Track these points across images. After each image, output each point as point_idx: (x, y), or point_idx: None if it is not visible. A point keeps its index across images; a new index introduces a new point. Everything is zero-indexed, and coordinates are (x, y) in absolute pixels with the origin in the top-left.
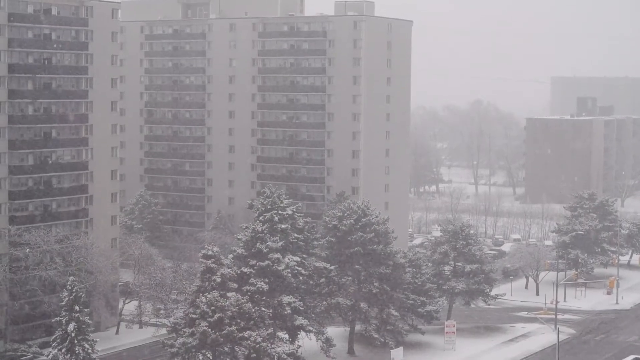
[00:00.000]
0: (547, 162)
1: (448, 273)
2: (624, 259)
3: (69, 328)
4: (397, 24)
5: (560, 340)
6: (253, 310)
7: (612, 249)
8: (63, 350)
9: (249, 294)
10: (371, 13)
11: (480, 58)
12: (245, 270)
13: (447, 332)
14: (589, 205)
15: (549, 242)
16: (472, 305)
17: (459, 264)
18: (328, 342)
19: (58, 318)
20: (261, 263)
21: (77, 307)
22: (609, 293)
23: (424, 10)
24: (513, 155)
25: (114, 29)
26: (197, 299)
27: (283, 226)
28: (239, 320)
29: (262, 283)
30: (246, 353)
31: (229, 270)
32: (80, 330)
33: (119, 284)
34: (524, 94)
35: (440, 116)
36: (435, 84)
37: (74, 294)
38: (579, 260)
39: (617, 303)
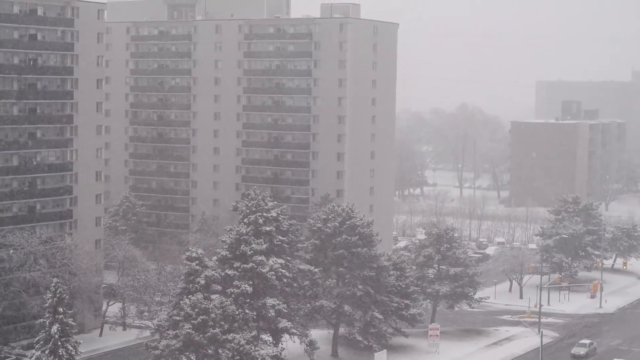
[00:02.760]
0: (531, 166)
1: (432, 276)
2: (607, 262)
3: (52, 330)
4: (383, 27)
5: (543, 343)
6: (237, 312)
7: (596, 252)
8: (46, 352)
9: (233, 296)
10: (357, 16)
11: (466, 62)
12: (229, 272)
13: (430, 335)
14: (573, 209)
15: (533, 246)
16: (456, 309)
17: (443, 267)
18: (312, 345)
19: (41, 320)
20: (245, 265)
21: (60, 309)
22: (592, 297)
23: (410, 14)
24: (498, 159)
25: (99, 30)
26: (181, 301)
27: (267, 228)
28: (222, 323)
29: (246, 285)
30: (230, 355)
31: (213, 272)
32: (64, 332)
33: (103, 285)
34: (509, 98)
35: (425, 119)
36: (421, 87)
37: (57, 296)
38: (563, 264)
39: (600, 307)
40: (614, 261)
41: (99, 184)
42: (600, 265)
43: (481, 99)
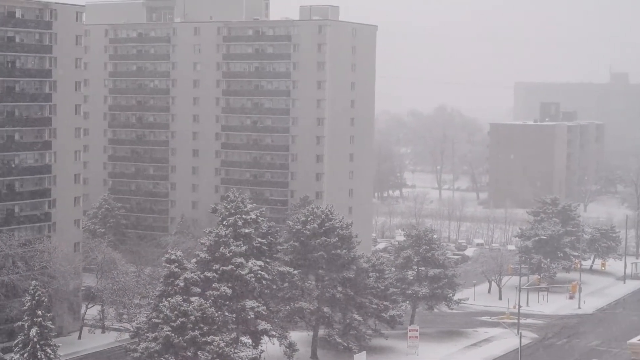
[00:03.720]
0: (510, 167)
1: (411, 278)
2: (586, 263)
3: (31, 333)
4: (361, 29)
5: (522, 344)
6: (216, 314)
7: (575, 253)
8: (25, 355)
9: (212, 298)
10: (336, 18)
11: (444, 64)
12: (208, 274)
13: (410, 337)
14: (551, 210)
15: (512, 247)
16: (435, 310)
17: (422, 268)
18: (291, 347)
19: (20, 323)
20: (224, 267)
21: (39, 312)
22: (571, 298)
23: (388, 16)
24: (476, 161)
25: (78, 32)
26: (160, 304)
27: (247, 230)
28: (202, 325)
29: (226, 288)
30: (209, 358)
31: (192, 274)
32: (43, 335)
33: (82, 288)
34: (488, 100)
35: (404, 121)
36: (400, 89)
37: (36, 299)
38: (542, 265)
39: (579, 308)
40: (593, 262)
41: (77, 187)
42: (578, 266)
43: (460, 100)
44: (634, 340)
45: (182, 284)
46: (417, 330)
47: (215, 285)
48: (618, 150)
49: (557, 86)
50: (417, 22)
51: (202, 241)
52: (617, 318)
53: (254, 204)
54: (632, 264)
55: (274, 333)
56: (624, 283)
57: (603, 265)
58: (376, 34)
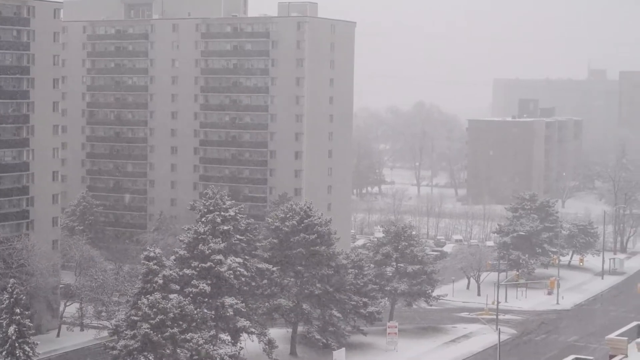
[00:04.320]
0: (488, 164)
1: (390, 274)
2: (564, 259)
3: (9, 331)
4: (340, 26)
5: (501, 340)
6: (195, 312)
7: (553, 249)
8: (3, 354)
9: (191, 295)
10: (314, 14)
11: (423, 60)
12: (187, 271)
13: (389, 333)
14: (530, 206)
15: (490, 243)
16: (414, 306)
17: (401, 265)
18: (270, 344)
19: None
20: (203, 265)
21: (17, 310)
22: (549, 293)
23: (367, 13)
24: (455, 157)
25: (56, 29)
26: (139, 301)
27: (225, 227)
28: (181, 322)
29: (204, 285)
30: (188, 355)
31: (171, 272)
32: (21, 333)
33: (60, 286)
34: (466, 97)
35: (383, 118)
36: (379, 86)
37: (14, 297)
38: (520, 261)
39: (557, 303)
40: (571, 258)
41: (55, 184)
42: (557, 262)
43: (439, 97)
44: (613, 335)
45: (160, 281)
46: (396, 327)
47: (194, 282)
48: (596, 146)
49: (536, 83)
50: (395, 19)
51: (180, 238)
52: (596, 313)
53: (233, 201)
54: (610, 259)
55: (253, 330)
56: (602, 279)
57: (581, 261)
58: (355, 31)
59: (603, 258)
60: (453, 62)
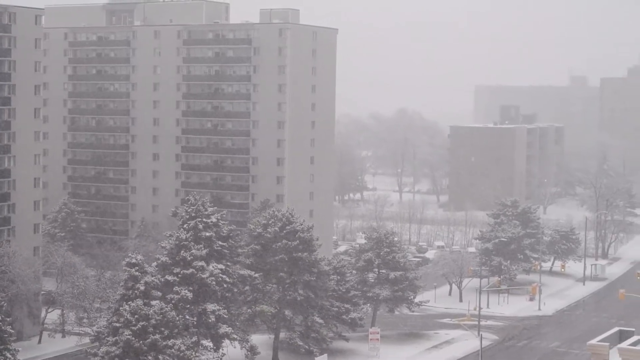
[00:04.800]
0: (470, 170)
1: (372, 280)
2: (546, 265)
3: None
4: (322, 32)
5: (483, 346)
6: (177, 318)
7: (535, 255)
8: None
9: (173, 302)
10: (296, 21)
11: (405, 67)
12: (169, 278)
13: (371, 339)
14: (511, 213)
15: (472, 249)
16: (396, 312)
17: (383, 271)
18: (252, 350)
19: None
20: (185, 271)
21: None
22: (531, 299)
23: (349, 19)
24: (437, 163)
25: (37, 36)
26: (121, 308)
27: (207, 234)
28: (162, 329)
29: (186, 291)
30: None
31: (152, 278)
32: (2, 339)
33: (42, 292)
34: (448, 103)
35: (365, 124)
36: (361, 92)
37: None
38: (502, 267)
39: (539, 309)
40: (552, 264)
41: (37, 191)
42: (538, 268)
43: (421, 104)
44: (594, 341)
45: (142, 288)
46: (378, 333)
47: (176, 288)
48: (577, 152)
49: (517, 89)
50: (378, 25)
51: (162, 245)
52: (577, 319)
53: (215, 208)
54: (591, 265)
55: (235, 336)
56: (584, 284)
57: (563, 267)
58: (337, 37)
59: (585, 264)
60: (435, 68)
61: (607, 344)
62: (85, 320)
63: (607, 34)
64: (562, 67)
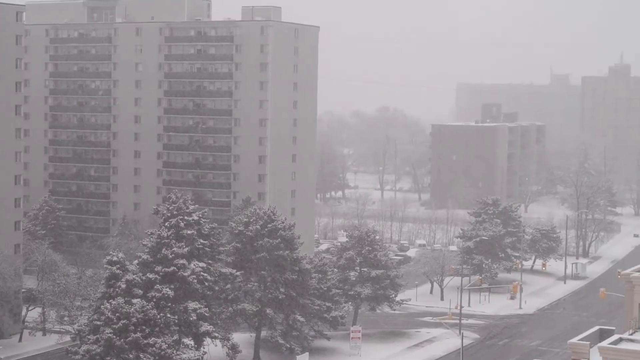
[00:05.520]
0: (452, 168)
1: (354, 278)
2: (527, 264)
3: None
4: (304, 30)
5: (464, 344)
6: (158, 316)
7: (516, 254)
8: None
9: (155, 300)
10: (278, 18)
11: (387, 65)
12: (150, 276)
13: (352, 338)
14: (493, 211)
15: (453, 248)
16: (378, 311)
17: (365, 269)
18: (234, 349)
19: None
20: (167, 269)
21: None
22: (512, 298)
23: (330, 17)
24: (419, 161)
25: (18, 32)
26: (102, 306)
27: (189, 232)
28: (144, 327)
29: (168, 289)
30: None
31: (134, 276)
32: None
33: (23, 290)
34: (430, 101)
35: (347, 122)
36: (343, 90)
37: None
38: (483, 266)
39: (520, 308)
40: (534, 262)
41: (18, 188)
42: (519, 266)
43: (403, 102)
44: (575, 340)
45: (123, 286)
46: (359, 331)
47: (157, 286)
48: (558, 151)
49: (499, 87)
50: (360, 24)
51: (144, 243)
52: (558, 318)
53: (196, 205)
54: (572, 264)
55: (217, 335)
56: (565, 283)
57: (544, 265)
58: (318, 35)
59: (565, 263)
60: (417, 66)
61: (588, 342)
62: (66, 319)
63: (589, 33)
64: (544, 65)
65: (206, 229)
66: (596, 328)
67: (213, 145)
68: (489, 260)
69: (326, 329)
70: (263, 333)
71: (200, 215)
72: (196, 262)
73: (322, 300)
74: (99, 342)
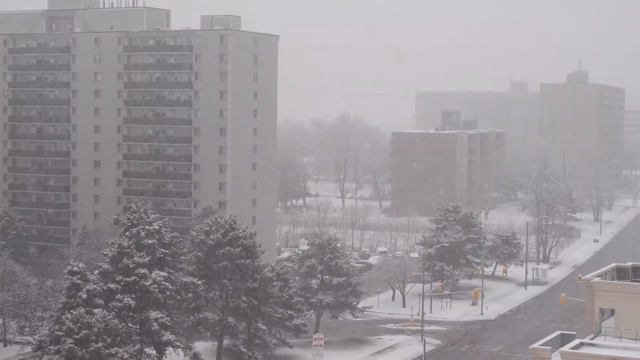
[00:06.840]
0: (412, 176)
1: (315, 286)
2: (488, 270)
3: None
4: (263, 39)
5: (426, 351)
6: (120, 326)
7: (477, 260)
8: None
9: (116, 310)
10: (237, 28)
11: (346, 73)
12: (111, 286)
13: (315, 345)
14: (453, 218)
15: (415, 255)
16: (340, 318)
17: (326, 277)
18: (196, 358)
19: None
20: (128, 279)
21: None
22: (474, 304)
23: (290, 26)
24: (379, 169)
25: None
26: (63, 316)
27: (150, 241)
28: (105, 337)
29: (129, 299)
30: None
31: (95, 286)
32: None
33: None
34: (390, 109)
35: (307, 130)
36: (302, 99)
37: None
38: (445, 272)
39: (482, 314)
40: (495, 269)
41: None
42: (481, 272)
43: (362, 110)
44: (536, 345)
45: (84, 296)
46: (322, 339)
47: (118, 296)
48: (518, 157)
49: (458, 95)
50: (319, 32)
51: (104, 252)
52: (519, 323)
53: (157, 215)
54: (533, 270)
55: (179, 344)
56: (526, 289)
57: (505, 271)
58: (278, 44)
59: (526, 268)
60: (376, 75)
61: (549, 347)
62: (27, 329)
63: (547, 40)
64: (502, 72)
65: (167, 238)
66: (557, 333)
67: (173, 155)
68: (450, 267)
69: (289, 337)
70: (225, 342)
71: (161, 225)
72: (157, 271)
73: (284, 308)
74: (61, 352)
